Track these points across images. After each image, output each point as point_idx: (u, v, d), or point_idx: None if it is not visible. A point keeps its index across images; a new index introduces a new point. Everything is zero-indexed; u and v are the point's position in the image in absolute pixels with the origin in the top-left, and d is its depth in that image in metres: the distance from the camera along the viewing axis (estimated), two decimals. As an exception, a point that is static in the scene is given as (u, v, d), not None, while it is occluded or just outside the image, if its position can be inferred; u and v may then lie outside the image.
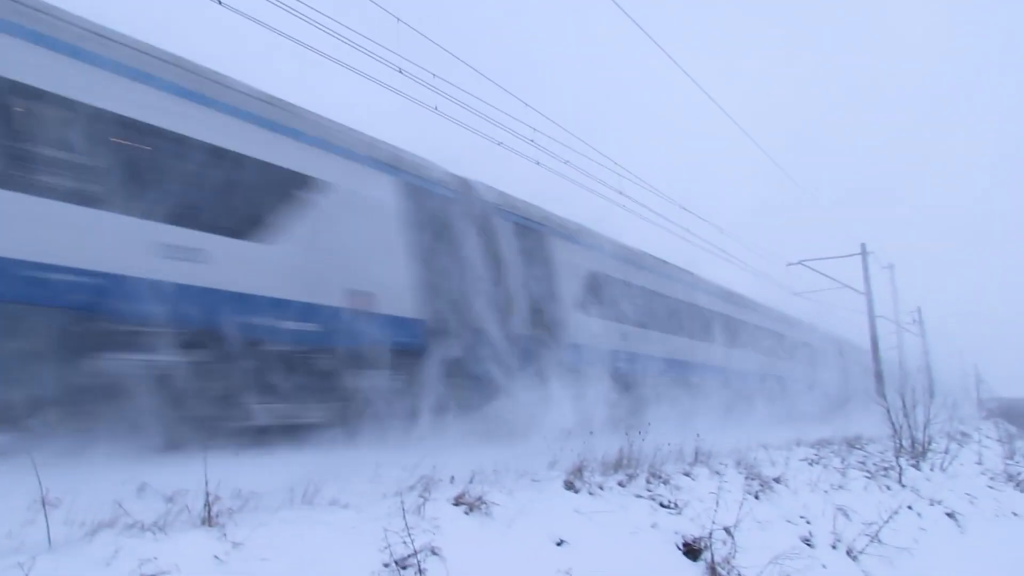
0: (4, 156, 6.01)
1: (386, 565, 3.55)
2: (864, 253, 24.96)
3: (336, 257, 8.45)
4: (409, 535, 3.63)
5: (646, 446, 6.95)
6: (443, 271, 9.96)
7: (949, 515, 10.28)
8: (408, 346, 9.22)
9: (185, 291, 6.91)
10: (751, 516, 6.28)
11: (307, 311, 8.04)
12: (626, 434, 6.91)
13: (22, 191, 6.00)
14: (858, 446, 13.05)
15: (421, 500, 4.32)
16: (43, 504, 3.23)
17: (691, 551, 5.40)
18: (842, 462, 10.64)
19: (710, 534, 5.46)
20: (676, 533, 5.52)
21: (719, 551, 5.40)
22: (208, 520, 3.43)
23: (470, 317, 10.24)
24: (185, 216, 7.04)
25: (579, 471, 5.85)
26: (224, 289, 7.26)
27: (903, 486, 10.60)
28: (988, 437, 22.21)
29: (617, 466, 6.56)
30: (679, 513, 5.88)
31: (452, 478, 5.10)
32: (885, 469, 11.21)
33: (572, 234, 13.35)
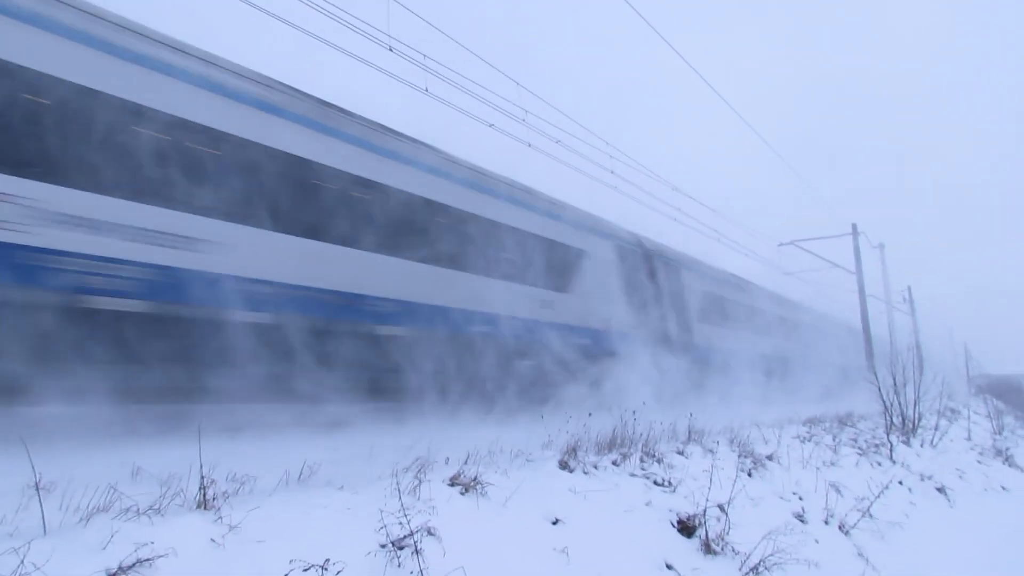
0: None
1: (383, 546, 3.56)
2: (855, 233, 25.01)
3: (595, 297, 13.39)
4: (405, 516, 3.64)
5: (639, 425, 6.99)
6: (633, 297, 14.75)
7: (939, 490, 10.40)
8: (614, 350, 13.51)
9: (547, 326, 11.99)
10: (744, 493, 6.33)
11: (583, 332, 12.89)
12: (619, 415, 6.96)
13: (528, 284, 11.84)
14: (849, 423, 13.17)
15: (417, 481, 4.33)
16: (37, 489, 3.22)
17: (685, 528, 5.44)
18: (834, 439, 10.74)
19: (704, 511, 5.50)
20: (670, 511, 5.56)
21: (713, 528, 5.45)
22: (204, 503, 3.42)
23: (646, 325, 14.86)
24: (547, 283, 12.21)
25: (573, 451, 5.87)
26: (558, 322, 12.26)
27: (894, 462, 10.71)
28: (977, 413, 22.47)
29: (611, 446, 6.59)
30: (673, 491, 5.92)
31: (447, 459, 5.12)
32: (876, 446, 11.33)
33: (693, 265, 18.50)
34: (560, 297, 12.55)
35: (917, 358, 15.83)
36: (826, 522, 7.07)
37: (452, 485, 4.50)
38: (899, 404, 13.77)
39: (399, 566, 3.53)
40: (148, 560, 2.86)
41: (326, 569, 3.08)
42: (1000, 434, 19.56)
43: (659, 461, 6.50)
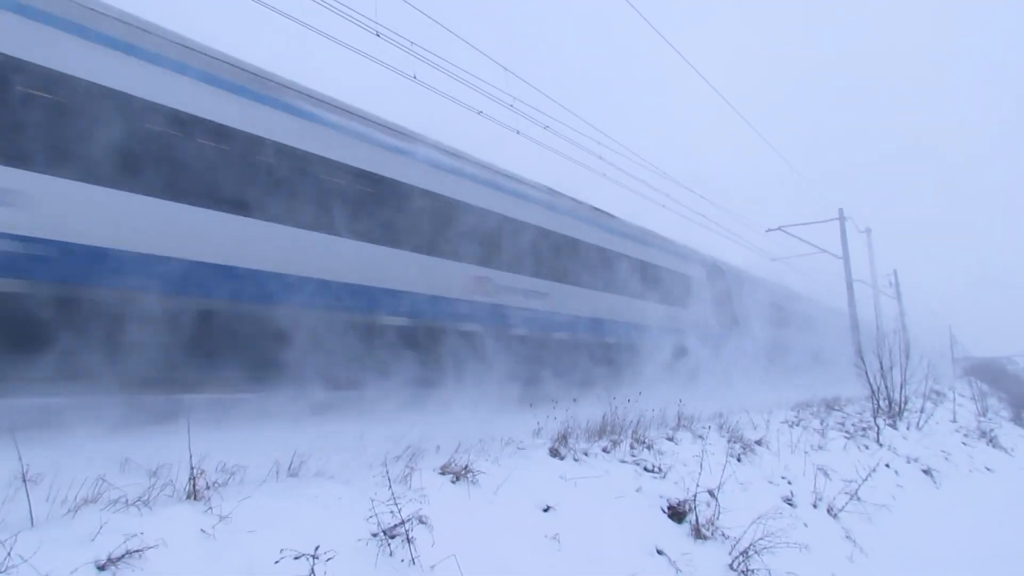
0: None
1: (374, 535, 3.56)
2: (842, 218, 25.09)
3: (698, 309, 17.42)
4: (396, 505, 3.64)
5: (630, 412, 7.01)
6: (715, 305, 18.85)
7: (925, 472, 10.52)
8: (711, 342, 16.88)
9: (671, 330, 15.24)
10: (734, 478, 6.37)
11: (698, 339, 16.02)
12: (610, 400, 6.98)
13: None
14: (837, 407, 13.27)
15: (408, 470, 4.33)
16: (24, 481, 3.19)
17: (676, 514, 5.47)
18: (822, 423, 10.82)
19: (694, 497, 5.53)
20: (661, 497, 5.58)
21: (703, 513, 5.48)
22: (193, 494, 3.40)
23: (724, 324, 19.17)
24: (665, 299, 15.73)
25: (564, 438, 5.88)
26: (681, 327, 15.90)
27: (881, 445, 10.81)
28: (962, 396, 22.71)
29: (601, 432, 6.61)
30: (663, 477, 5.95)
31: (438, 447, 5.11)
32: (863, 429, 11.43)
33: (749, 278, 22.28)
34: (680, 311, 16.66)
35: (903, 342, 15.95)
36: (814, 506, 7.14)
37: (443, 474, 4.50)
38: (886, 387, 13.89)
39: (390, 555, 3.53)
40: (138, 551, 2.84)
41: (316, 558, 3.07)
42: (984, 416, 19.79)
43: (649, 447, 6.53)
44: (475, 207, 10.48)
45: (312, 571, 3.03)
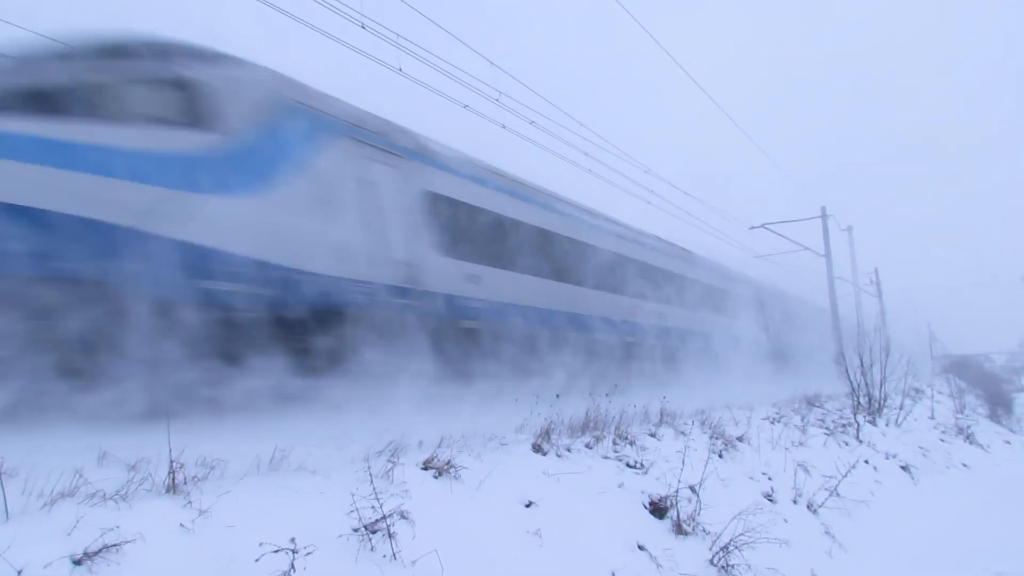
0: None
1: (355, 530, 3.54)
2: (824, 216, 25.32)
3: (741, 321, 20.18)
4: (378, 500, 3.62)
5: (612, 408, 7.03)
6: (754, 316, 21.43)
7: (903, 468, 10.65)
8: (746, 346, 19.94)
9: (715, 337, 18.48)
10: (715, 474, 6.41)
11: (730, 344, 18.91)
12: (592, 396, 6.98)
13: None
14: (817, 404, 13.38)
15: (390, 465, 4.31)
16: (-1, 474, 3.14)
17: (657, 510, 5.50)
18: (802, 420, 10.90)
19: (676, 493, 5.56)
20: (643, 492, 5.61)
21: (685, 509, 5.52)
22: (172, 488, 3.36)
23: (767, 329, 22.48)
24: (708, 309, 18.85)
25: (547, 434, 5.88)
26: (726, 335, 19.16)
27: (860, 441, 10.93)
28: (940, 392, 22.99)
29: (584, 428, 6.62)
30: (645, 473, 5.97)
31: (420, 442, 5.09)
32: (843, 426, 11.54)
33: (776, 292, 25.57)
34: (723, 321, 19.57)
35: (883, 339, 16.10)
36: (795, 501, 7.20)
37: (425, 468, 4.49)
38: (866, 385, 14.02)
39: (372, 549, 3.51)
40: (115, 545, 2.81)
41: (296, 552, 3.05)
42: (962, 413, 20.06)
43: (632, 443, 6.55)
44: (623, 256, 14.70)
45: (292, 565, 3.01)
